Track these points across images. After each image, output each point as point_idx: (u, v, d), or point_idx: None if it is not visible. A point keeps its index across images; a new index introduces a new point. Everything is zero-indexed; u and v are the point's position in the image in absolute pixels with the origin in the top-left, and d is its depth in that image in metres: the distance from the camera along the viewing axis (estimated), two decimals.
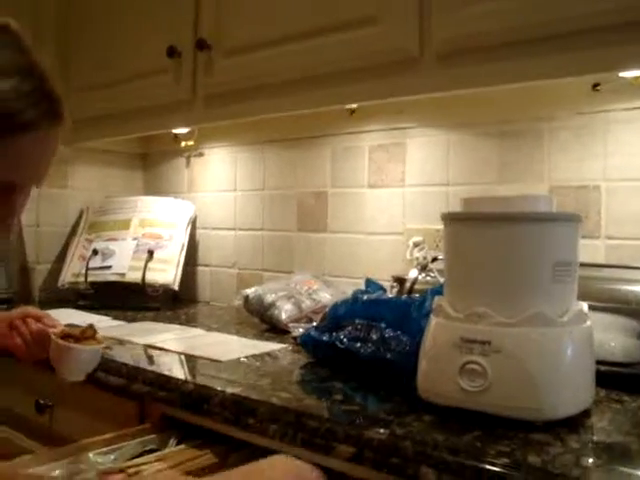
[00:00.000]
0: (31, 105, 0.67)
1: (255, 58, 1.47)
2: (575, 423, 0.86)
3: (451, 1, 1.15)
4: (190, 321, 1.79)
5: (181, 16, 1.65)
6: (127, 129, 1.91)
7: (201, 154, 2.16)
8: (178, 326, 1.66)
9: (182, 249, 2.02)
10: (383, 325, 1.08)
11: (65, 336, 1.15)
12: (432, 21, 1.18)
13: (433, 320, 0.94)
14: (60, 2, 2.07)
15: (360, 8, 1.28)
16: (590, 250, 1.32)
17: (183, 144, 2.12)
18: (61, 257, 2.14)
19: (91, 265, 1.99)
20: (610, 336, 1.09)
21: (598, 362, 1.01)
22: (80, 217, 2.19)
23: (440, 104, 1.50)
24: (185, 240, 2.04)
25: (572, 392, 0.87)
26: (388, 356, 1.04)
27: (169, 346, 1.37)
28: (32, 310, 1.26)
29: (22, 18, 2.16)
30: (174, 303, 2.03)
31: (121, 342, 1.43)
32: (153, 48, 1.69)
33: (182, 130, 2.04)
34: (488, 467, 0.74)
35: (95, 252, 2.02)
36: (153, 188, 2.33)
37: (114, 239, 2.05)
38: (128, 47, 1.82)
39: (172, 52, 1.64)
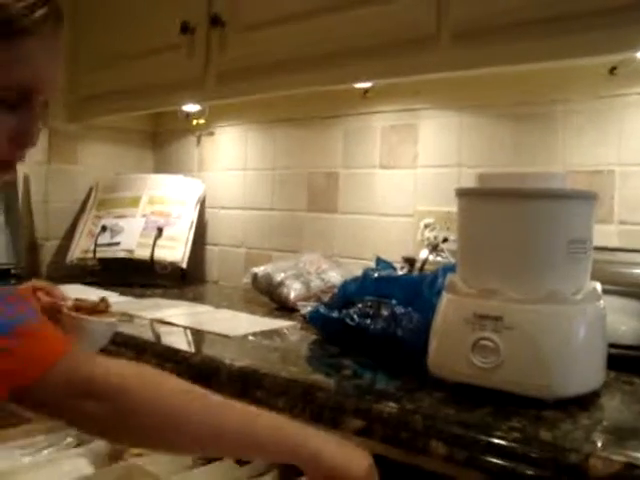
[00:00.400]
0: (31, 8, 0.67)
1: (269, 35, 1.46)
2: (586, 402, 0.86)
3: None
4: (198, 299, 1.79)
5: None
6: (138, 105, 1.90)
7: (212, 133, 2.16)
8: (186, 302, 1.67)
9: (191, 227, 2.02)
10: (394, 302, 1.08)
11: (77, 309, 1.14)
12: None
13: (445, 296, 0.93)
14: None
15: None
16: (603, 235, 1.31)
17: (194, 122, 2.11)
18: (70, 233, 2.14)
19: (100, 241, 1.99)
20: (621, 319, 1.08)
21: (609, 345, 1.01)
22: (89, 194, 2.19)
23: (453, 85, 1.49)
24: (194, 218, 2.04)
25: (583, 371, 0.87)
26: (399, 333, 1.03)
27: (177, 321, 1.38)
28: (42, 283, 1.25)
29: None
30: (182, 281, 2.03)
31: (129, 316, 1.43)
32: (166, 24, 1.67)
33: (193, 108, 2.03)
34: (499, 441, 0.74)
35: (104, 229, 2.02)
36: (163, 166, 2.33)
37: (123, 216, 2.05)
38: (141, 23, 1.81)
39: (185, 28, 1.63)
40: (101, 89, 1.96)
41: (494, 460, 0.73)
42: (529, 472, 0.71)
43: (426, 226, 1.52)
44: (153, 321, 1.38)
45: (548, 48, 1.09)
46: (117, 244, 1.99)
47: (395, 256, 1.47)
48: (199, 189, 2.10)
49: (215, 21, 1.55)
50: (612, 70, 1.28)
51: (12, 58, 0.67)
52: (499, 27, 1.12)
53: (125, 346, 1.23)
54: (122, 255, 1.97)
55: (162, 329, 1.34)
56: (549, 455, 0.70)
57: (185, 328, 1.34)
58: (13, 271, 2.05)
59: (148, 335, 1.26)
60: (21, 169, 2.20)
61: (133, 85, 1.84)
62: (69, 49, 2.07)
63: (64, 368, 0.70)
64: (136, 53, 1.81)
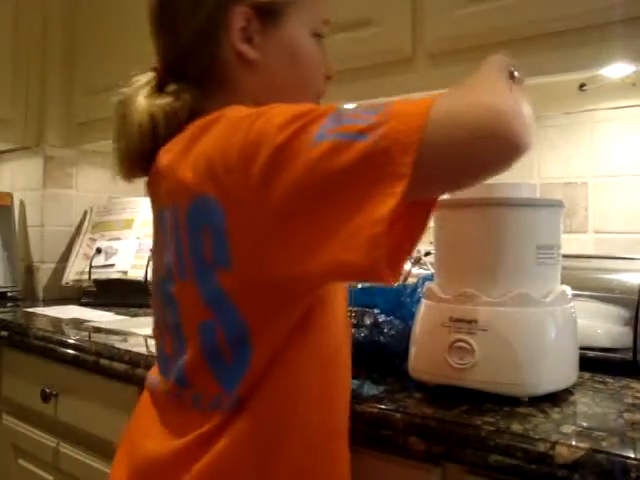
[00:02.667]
0: None
1: None
2: (558, 399, 0.90)
3: (442, 4, 1.21)
4: None
5: None
6: None
7: None
8: None
9: None
10: (377, 311, 1.12)
11: None
12: (425, 23, 1.24)
13: (423, 303, 0.98)
14: (68, 6, 2.13)
15: (355, 10, 1.33)
16: (579, 244, 1.37)
17: None
18: (65, 256, 2.19)
19: (94, 263, 2.04)
20: (597, 323, 1.13)
21: (586, 348, 1.06)
22: (84, 217, 2.25)
23: None
24: None
25: (555, 369, 0.91)
26: (381, 339, 1.08)
27: None
28: None
29: (30, 22, 2.23)
30: None
31: (124, 333, 1.48)
32: None
33: None
34: (473, 433, 0.78)
35: (99, 251, 2.07)
36: None
37: (117, 238, 2.10)
38: (134, 50, 1.87)
39: None
40: (96, 115, 2.02)
41: (468, 452, 0.78)
42: (500, 461, 0.75)
43: None
44: (146, 337, 1.43)
45: (521, 66, 1.15)
46: (112, 266, 2.04)
47: None
48: None
49: None
50: (581, 86, 1.34)
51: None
52: (471, 48, 1.18)
53: (120, 360, 1.28)
54: (117, 276, 2.02)
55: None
56: (519, 445, 0.75)
57: None
58: (10, 294, 2.10)
59: (142, 349, 1.30)
60: (17, 195, 2.25)
61: None
62: (65, 75, 2.14)
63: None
64: (130, 80, 1.87)
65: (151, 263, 1.96)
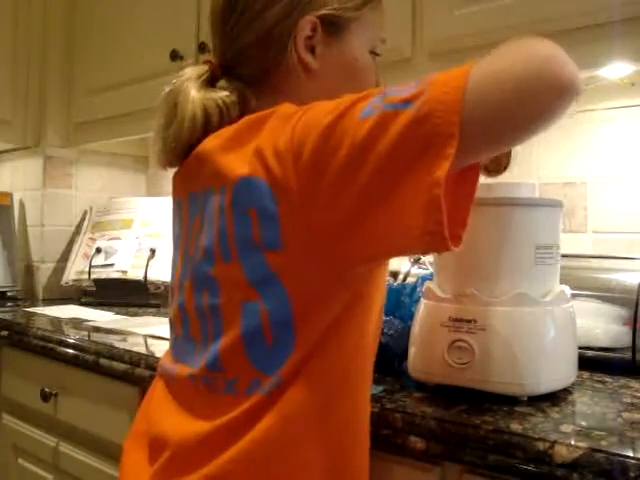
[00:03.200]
0: None
1: None
2: (557, 398, 0.91)
3: (440, 4, 1.21)
4: None
5: (183, 21, 1.71)
6: (131, 130, 1.96)
7: None
8: None
9: None
10: None
11: None
12: (424, 23, 1.24)
13: (422, 302, 0.98)
14: (67, 7, 2.14)
15: None
16: (578, 243, 1.37)
17: None
18: (65, 256, 2.19)
19: (94, 263, 2.04)
20: (596, 323, 1.14)
21: (585, 348, 1.07)
22: (84, 217, 2.25)
23: None
24: None
25: (554, 368, 0.91)
26: (381, 339, 1.08)
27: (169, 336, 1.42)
28: None
29: (30, 22, 2.23)
30: None
31: (124, 333, 1.48)
32: (156, 52, 1.75)
33: None
34: (473, 432, 0.78)
35: (98, 250, 2.07)
36: (155, 190, 2.38)
37: (117, 238, 2.10)
38: (132, 51, 1.88)
39: (175, 56, 1.70)
40: (95, 115, 2.02)
41: (468, 451, 0.78)
42: (499, 460, 0.75)
43: None
44: (146, 336, 1.43)
45: None
46: (111, 265, 2.04)
47: None
48: None
49: (202, 48, 1.62)
50: None
51: (380, 16, 0.90)
52: (469, 48, 1.19)
53: (120, 360, 1.28)
54: (116, 276, 2.02)
55: (155, 343, 1.38)
56: (518, 444, 0.75)
57: None
58: (9, 293, 2.11)
59: (141, 349, 1.30)
60: (17, 195, 2.25)
61: (126, 111, 1.90)
62: (64, 75, 2.14)
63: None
64: (129, 79, 1.88)
65: (151, 262, 1.96)
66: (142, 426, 0.85)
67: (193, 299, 0.80)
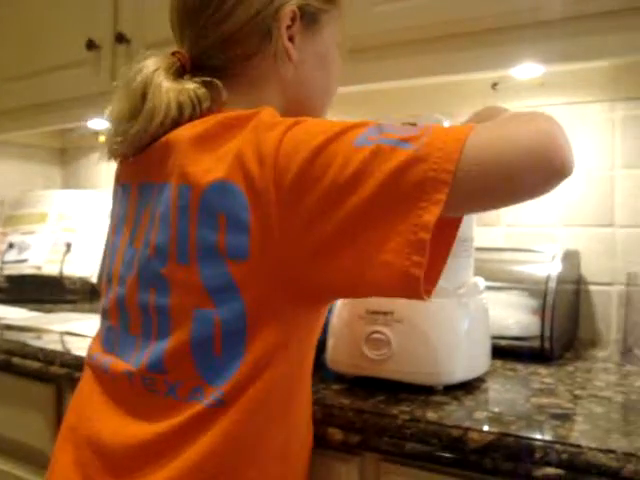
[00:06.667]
0: None
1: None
2: (472, 386, 0.94)
3: (361, 1, 1.23)
4: None
5: (100, 10, 1.67)
6: (44, 121, 1.89)
7: None
8: (96, 316, 1.66)
9: (100, 243, 2.01)
10: None
11: None
12: (344, 19, 1.25)
13: None
14: None
15: None
16: (491, 236, 1.42)
17: (102, 139, 2.11)
18: None
19: (7, 259, 1.96)
20: (509, 313, 1.18)
21: (498, 337, 1.11)
22: None
23: (349, 101, 1.57)
24: (104, 234, 2.04)
25: (468, 359, 0.95)
26: None
27: (87, 332, 1.38)
28: None
29: None
30: (92, 296, 2.02)
31: (38, 330, 1.43)
32: (72, 41, 1.69)
33: (100, 125, 2.04)
34: (390, 422, 0.80)
35: (11, 246, 1.99)
36: (71, 183, 2.31)
37: (31, 232, 2.03)
38: (48, 39, 1.82)
39: (91, 45, 1.65)
40: (7, 105, 1.95)
41: (385, 440, 0.80)
42: (416, 448, 0.78)
43: None
44: (61, 333, 1.39)
45: (434, 64, 1.18)
46: (25, 261, 1.97)
47: None
48: (108, 205, 2.10)
49: (120, 38, 1.58)
50: (494, 85, 1.39)
51: (341, 15, 0.90)
52: (389, 45, 1.21)
53: (33, 358, 1.24)
54: (30, 272, 1.95)
55: (71, 340, 1.34)
56: (434, 432, 0.77)
57: None
58: None
59: (56, 346, 1.27)
60: None
61: (40, 101, 1.84)
62: None
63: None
64: (43, 69, 1.82)
65: (67, 257, 1.90)
66: (72, 419, 0.82)
67: (137, 295, 0.77)
